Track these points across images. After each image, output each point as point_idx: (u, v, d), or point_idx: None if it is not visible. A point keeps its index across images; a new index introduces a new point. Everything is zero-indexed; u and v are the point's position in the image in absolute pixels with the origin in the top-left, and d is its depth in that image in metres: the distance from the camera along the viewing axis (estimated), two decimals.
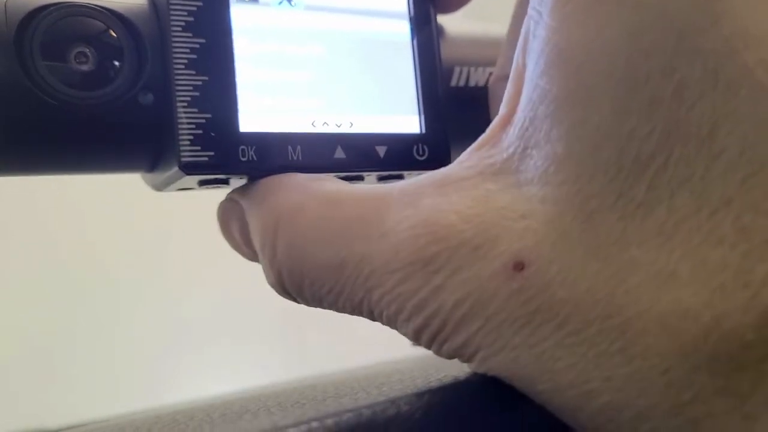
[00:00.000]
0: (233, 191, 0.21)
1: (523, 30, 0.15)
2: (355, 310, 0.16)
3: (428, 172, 0.22)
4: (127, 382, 0.62)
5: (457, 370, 0.17)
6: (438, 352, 0.15)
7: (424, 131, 0.22)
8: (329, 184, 0.18)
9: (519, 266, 0.13)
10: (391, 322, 0.16)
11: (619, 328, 0.12)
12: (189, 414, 0.18)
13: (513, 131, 0.15)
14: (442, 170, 0.16)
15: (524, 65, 0.15)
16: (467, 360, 0.15)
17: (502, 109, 0.16)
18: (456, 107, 0.24)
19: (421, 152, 0.22)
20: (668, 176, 0.12)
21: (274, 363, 0.70)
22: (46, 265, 0.62)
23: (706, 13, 0.12)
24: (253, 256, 0.20)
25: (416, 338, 0.15)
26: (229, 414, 0.17)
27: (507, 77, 0.23)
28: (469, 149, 0.16)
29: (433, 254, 0.14)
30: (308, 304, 0.18)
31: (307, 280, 0.17)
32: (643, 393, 0.12)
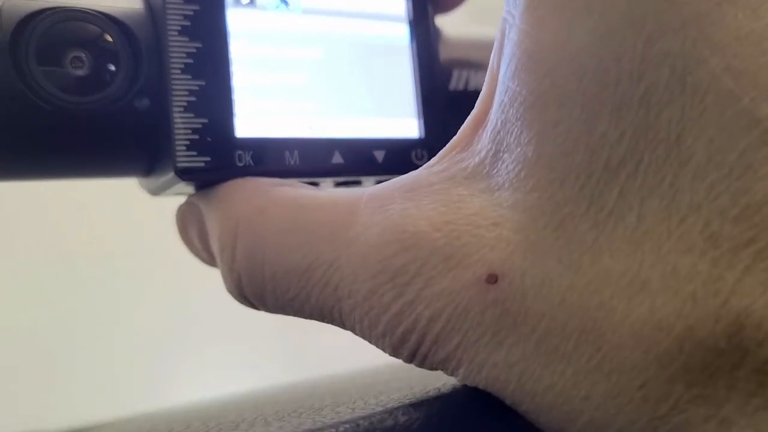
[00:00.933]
0: (193, 195, 0.20)
1: (498, 32, 0.15)
2: (325, 318, 0.16)
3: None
4: (126, 383, 0.62)
5: (455, 379, 0.17)
6: (421, 366, 0.15)
7: (422, 135, 0.22)
8: (292, 188, 0.18)
9: (492, 278, 0.13)
10: (365, 336, 0.15)
11: (594, 343, 0.12)
12: (185, 422, 0.18)
13: (485, 134, 0.15)
14: (413, 174, 0.16)
15: (498, 67, 0.15)
16: (451, 374, 0.14)
17: (475, 111, 0.15)
18: (455, 111, 0.24)
19: (420, 156, 0.22)
20: (638, 182, 0.12)
21: (272, 363, 0.70)
22: (45, 265, 0.62)
23: (674, 18, 0.12)
24: (212, 261, 0.19)
25: (395, 354, 0.15)
26: (225, 423, 0.17)
27: None
28: (440, 153, 0.16)
29: (402, 264, 0.14)
30: (269, 310, 0.17)
31: (269, 285, 0.16)
32: (621, 409, 0.12)
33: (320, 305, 0.16)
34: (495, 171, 0.14)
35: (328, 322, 0.16)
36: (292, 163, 0.20)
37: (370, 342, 0.15)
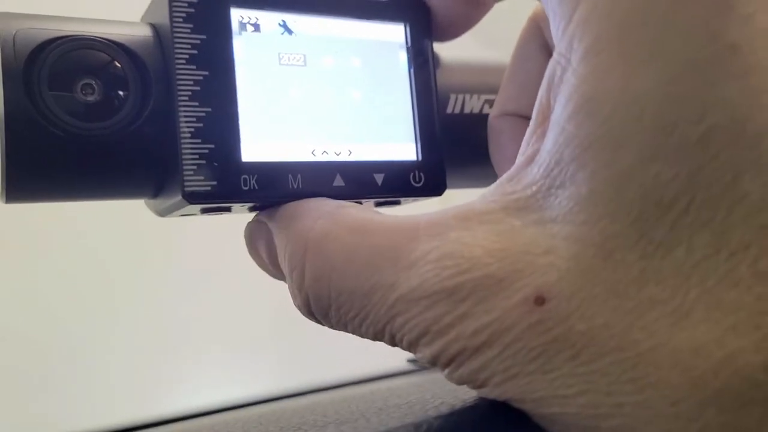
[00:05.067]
0: (260, 213, 0.21)
1: (547, 73, 0.16)
2: (378, 335, 0.17)
3: (425, 198, 0.22)
4: (123, 390, 0.62)
5: (452, 397, 0.17)
6: (451, 376, 0.16)
7: (420, 158, 0.23)
8: (357, 211, 0.19)
9: (540, 300, 0.14)
10: (412, 346, 0.16)
11: (631, 361, 0.13)
12: None
13: (538, 170, 0.15)
14: (467, 204, 0.17)
15: (549, 107, 0.16)
16: (480, 385, 0.15)
17: (524, 148, 0.16)
18: (451, 134, 0.24)
19: (417, 179, 0.22)
20: (690, 219, 0.13)
21: (269, 369, 0.70)
22: (43, 271, 0.62)
23: (737, 66, 0.13)
24: (279, 277, 0.21)
25: (433, 361, 0.16)
26: None
27: (507, 114, 0.24)
28: (493, 184, 0.17)
29: (457, 284, 0.15)
30: (333, 327, 0.18)
31: (334, 304, 0.17)
32: (652, 421, 0.13)
33: (375, 323, 0.17)
34: (547, 205, 0.15)
35: (378, 340, 0.17)
36: (296, 186, 0.20)
37: (413, 352, 0.16)
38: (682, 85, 0.13)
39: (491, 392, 0.15)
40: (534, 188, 0.15)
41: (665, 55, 0.13)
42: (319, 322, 0.19)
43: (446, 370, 0.16)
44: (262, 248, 0.21)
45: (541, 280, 0.14)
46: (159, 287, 0.65)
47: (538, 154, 0.15)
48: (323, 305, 0.18)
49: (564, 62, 0.15)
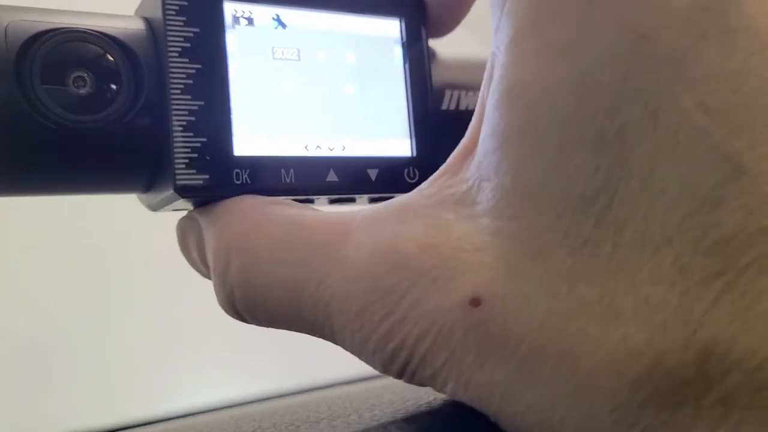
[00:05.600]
0: (193, 209, 0.21)
1: (488, 65, 0.16)
2: (316, 332, 0.16)
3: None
4: (119, 390, 0.62)
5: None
6: (410, 382, 0.15)
7: (415, 154, 0.22)
8: (288, 207, 0.18)
9: (476, 302, 0.14)
10: (356, 353, 0.16)
11: (570, 367, 0.13)
12: None
13: (472, 163, 0.15)
14: (404, 197, 0.16)
15: (486, 99, 0.15)
16: (439, 390, 0.15)
17: (465, 139, 0.16)
18: (446, 130, 0.24)
19: (412, 175, 0.22)
20: (613, 214, 0.13)
21: (264, 370, 0.70)
22: (40, 272, 0.62)
23: (650, 57, 0.13)
24: (208, 274, 0.20)
25: (385, 370, 0.15)
26: None
27: None
28: (431, 177, 0.16)
29: (392, 284, 0.15)
30: (259, 324, 0.18)
31: (260, 299, 0.17)
32: None
33: (311, 320, 0.16)
34: (479, 198, 0.15)
35: (318, 337, 0.17)
36: (288, 181, 0.20)
37: (360, 358, 0.16)
38: (597, 76, 0.13)
39: (453, 397, 0.15)
40: (470, 182, 0.15)
41: (582, 46, 0.13)
42: (244, 320, 0.18)
43: (402, 379, 0.15)
44: (192, 245, 0.21)
45: (475, 280, 0.14)
46: (156, 287, 0.64)
47: (476, 147, 0.15)
48: (249, 299, 0.17)
49: (496, 52, 0.15)
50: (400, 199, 0.16)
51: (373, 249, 0.15)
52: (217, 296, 0.19)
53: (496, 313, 0.13)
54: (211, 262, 0.19)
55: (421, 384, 0.15)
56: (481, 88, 0.16)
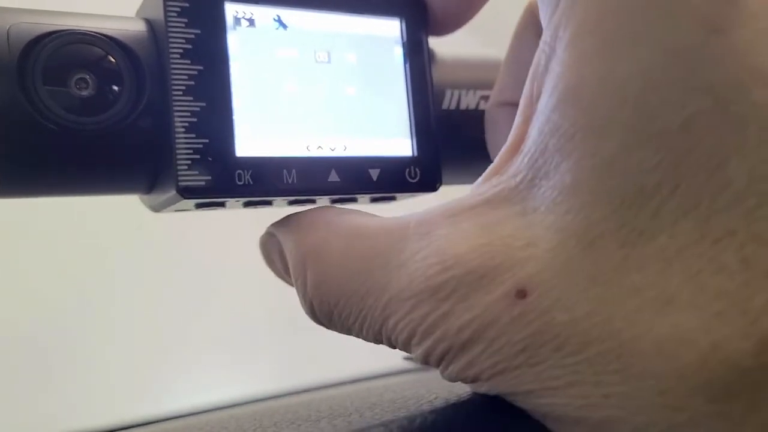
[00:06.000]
0: (272, 224, 0.21)
1: (534, 62, 0.16)
2: (377, 338, 0.17)
3: (421, 194, 0.22)
4: (119, 389, 0.62)
5: (447, 392, 0.17)
6: (444, 373, 0.16)
7: (416, 154, 0.23)
8: (354, 217, 0.19)
9: (521, 293, 0.14)
10: (406, 347, 0.16)
11: (616, 351, 0.13)
12: None
13: (522, 160, 0.15)
14: (456, 199, 0.17)
15: (533, 97, 0.16)
16: (471, 381, 0.15)
17: (511, 137, 0.16)
18: (447, 130, 0.24)
19: (413, 175, 0.22)
20: (673, 205, 0.13)
21: (264, 369, 0.70)
22: (39, 272, 0.62)
23: (718, 50, 0.13)
24: None
25: (425, 360, 0.16)
26: None
27: (504, 103, 0.24)
28: (480, 177, 0.17)
29: (441, 282, 0.15)
30: (340, 332, 0.19)
31: (335, 311, 0.18)
32: (641, 410, 0.13)
33: (372, 326, 0.17)
34: (530, 195, 0.15)
35: (380, 343, 0.17)
36: (290, 181, 0.20)
37: (408, 352, 0.17)
38: (663, 71, 0.13)
39: (483, 387, 0.15)
40: (518, 179, 0.15)
41: (647, 40, 0.13)
42: (329, 327, 0.19)
43: (439, 369, 0.16)
44: (276, 259, 0.21)
45: (522, 274, 0.14)
46: (156, 287, 0.65)
47: (524, 144, 0.15)
48: (326, 312, 0.18)
49: (548, 50, 0.15)
50: (451, 201, 0.17)
51: (427, 253, 0.16)
52: (302, 307, 0.19)
53: (542, 303, 0.14)
54: (292, 278, 0.20)
55: (454, 378, 0.16)
56: (526, 86, 0.16)
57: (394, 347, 0.17)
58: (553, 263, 0.14)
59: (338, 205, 0.21)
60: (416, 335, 0.16)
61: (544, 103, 0.15)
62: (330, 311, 0.18)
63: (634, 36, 0.14)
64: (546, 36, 0.15)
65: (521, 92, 0.23)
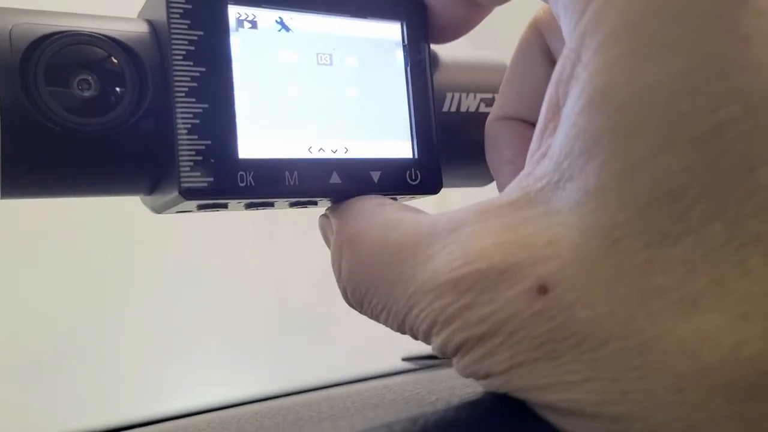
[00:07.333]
0: (329, 207, 0.22)
1: (557, 69, 0.16)
2: (401, 328, 0.18)
3: (423, 196, 0.22)
4: (119, 391, 0.62)
5: (448, 394, 0.17)
6: (459, 364, 0.16)
7: (416, 156, 0.23)
8: (392, 210, 0.20)
9: (543, 289, 0.14)
10: (426, 337, 0.17)
11: (636, 348, 0.13)
12: None
13: (548, 163, 0.16)
14: (489, 199, 0.17)
15: (559, 102, 0.16)
16: (485, 375, 0.16)
17: (538, 143, 0.17)
18: (447, 132, 0.24)
19: (413, 177, 0.23)
20: (700, 209, 0.13)
21: (262, 369, 0.70)
22: (37, 271, 0.62)
23: (747, 56, 0.13)
24: None
25: (442, 351, 0.16)
26: None
27: (506, 117, 0.24)
28: (514, 180, 0.17)
29: (463, 275, 0.15)
30: (372, 319, 0.19)
31: (366, 298, 0.19)
32: (658, 408, 0.13)
33: (397, 315, 0.17)
34: (555, 197, 0.15)
35: (403, 333, 0.18)
36: (292, 183, 0.20)
37: (427, 342, 0.17)
38: (694, 76, 0.13)
39: (496, 382, 0.15)
40: (544, 181, 0.15)
41: (677, 46, 0.14)
42: (362, 313, 0.20)
43: (454, 360, 0.16)
44: (330, 240, 0.22)
45: (544, 270, 0.14)
46: (156, 287, 0.64)
47: (550, 149, 0.16)
48: (358, 298, 0.19)
49: (574, 57, 0.15)
50: (485, 200, 0.17)
51: (453, 248, 0.16)
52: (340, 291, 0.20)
53: (564, 299, 0.14)
54: (330, 260, 0.21)
55: (468, 372, 0.16)
56: (549, 91, 0.16)
57: (416, 338, 0.17)
58: (576, 261, 0.14)
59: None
60: (436, 325, 0.16)
61: (571, 107, 0.15)
62: (361, 298, 0.19)
63: (665, 41, 0.14)
64: (571, 43, 0.15)
65: (524, 107, 0.23)
